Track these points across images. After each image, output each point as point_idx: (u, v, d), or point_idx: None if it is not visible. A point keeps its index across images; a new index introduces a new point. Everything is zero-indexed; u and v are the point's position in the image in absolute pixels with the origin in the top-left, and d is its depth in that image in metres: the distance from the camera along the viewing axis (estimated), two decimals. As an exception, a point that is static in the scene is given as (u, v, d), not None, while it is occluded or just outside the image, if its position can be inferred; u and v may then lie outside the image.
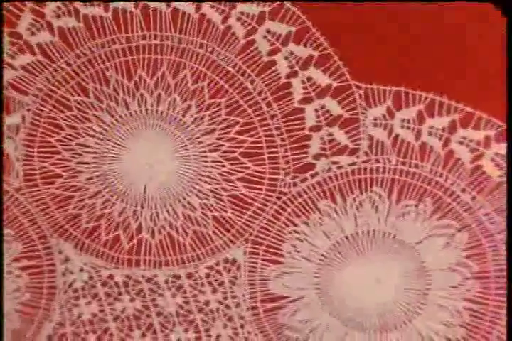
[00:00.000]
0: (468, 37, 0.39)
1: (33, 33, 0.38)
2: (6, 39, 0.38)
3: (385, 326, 0.39)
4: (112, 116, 0.40)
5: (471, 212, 0.38)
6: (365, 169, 0.39)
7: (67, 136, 0.40)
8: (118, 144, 0.40)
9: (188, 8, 0.38)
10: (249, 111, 0.39)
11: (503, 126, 0.39)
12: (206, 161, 0.40)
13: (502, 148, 0.39)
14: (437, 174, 0.39)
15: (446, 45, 0.39)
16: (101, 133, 0.40)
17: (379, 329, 0.39)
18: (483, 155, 0.39)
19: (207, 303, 0.40)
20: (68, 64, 0.39)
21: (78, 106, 0.40)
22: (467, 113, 0.39)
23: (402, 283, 0.39)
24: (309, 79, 0.39)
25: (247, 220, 0.40)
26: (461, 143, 0.39)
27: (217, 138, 0.39)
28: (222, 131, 0.40)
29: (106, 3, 0.38)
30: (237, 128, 0.39)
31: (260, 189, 0.40)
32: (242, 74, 0.39)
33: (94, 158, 0.40)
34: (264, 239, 0.40)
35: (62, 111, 0.40)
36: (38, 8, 0.38)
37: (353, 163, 0.39)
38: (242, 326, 0.39)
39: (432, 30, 0.38)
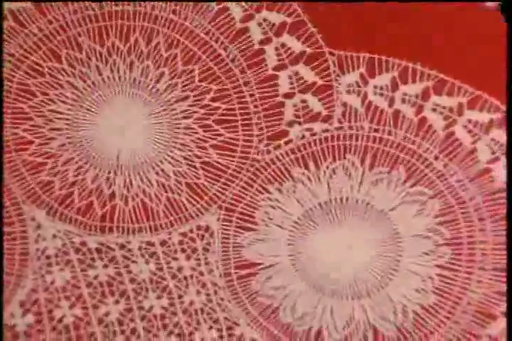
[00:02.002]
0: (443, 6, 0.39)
1: (4, -1, 0.38)
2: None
3: (357, 293, 0.39)
4: (85, 82, 0.40)
5: (443, 179, 0.39)
6: (339, 136, 0.40)
7: (40, 102, 0.40)
8: (90, 110, 0.40)
9: (161, -26, 0.38)
10: (223, 78, 0.40)
11: (475, 92, 0.39)
12: (179, 128, 0.40)
13: (474, 115, 0.39)
14: (410, 141, 0.39)
15: (418, 12, 0.39)
16: (73, 100, 0.40)
17: (351, 296, 0.39)
18: (455, 122, 0.39)
19: (180, 270, 0.40)
20: (40, 29, 0.40)
21: (50, 72, 0.40)
22: (440, 80, 0.39)
23: (374, 250, 0.39)
24: (283, 45, 0.39)
25: (221, 187, 0.40)
26: (434, 110, 0.39)
27: (191, 105, 0.40)
28: (196, 98, 0.40)
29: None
30: (210, 95, 0.40)
31: (233, 156, 0.40)
32: (216, 41, 0.40)
33: (66, 124, 0.40)
34: (238, 206, 0.40)
35: (34, 77, 0.40)
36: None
37: (327, 130, 0.40)
38: (215, 292, 0.40)
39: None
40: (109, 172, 0.41)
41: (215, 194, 0.40)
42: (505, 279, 0.39)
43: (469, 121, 0.39)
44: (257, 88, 0.40)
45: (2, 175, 0.40)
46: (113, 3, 0.39)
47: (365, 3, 0.39)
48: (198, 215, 0.41)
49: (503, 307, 0.39)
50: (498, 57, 0.39)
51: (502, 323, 0.39)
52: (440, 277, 0.39)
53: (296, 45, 0.39)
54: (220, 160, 0.40)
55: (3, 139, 0.40)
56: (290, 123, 0.40)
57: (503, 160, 0.39)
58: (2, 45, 0.39)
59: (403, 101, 0.39)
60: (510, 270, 0.37)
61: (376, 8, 0.39)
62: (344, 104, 0.40)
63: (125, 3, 0.39)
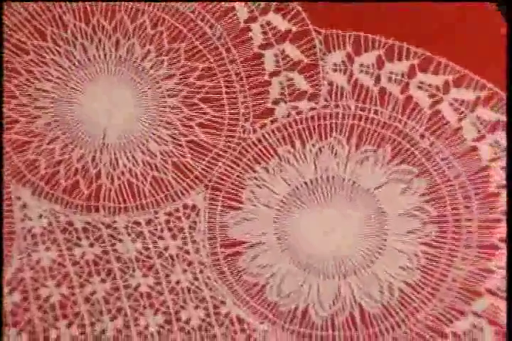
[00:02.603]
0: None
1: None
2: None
3: (343, 271, 0.40)
4: (70, 61, 0.40)
5: (429, 157, 0.39)
6: (325, 115, 0.40)
7: (25, 81, 0.40)
8: (76, 89, 0.40)
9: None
10: (209, 56, 0.40)
11: (461, 71, 0.39)
12: (165, 107, 0.40)
13: (460, 93, 0.39)
14: (396, 119, 0.39)
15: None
16: (59, 78, 0.40)
17: (338, 275, 0.40)
18: (441, 100, 0.39)
19: (166, 249, 0.40)
20: (25, 8, 0.39)
21: (35, 50, 0.40)
22: (426, 58, 0.39)
23: (360, 229, 0.39)
24: (269, 24, 0.39)
25: (207, 166, 0.40)
26: (420, 88, 0.39)
27: (177, 84, 0.40)
28: (182, 77, 0.40)
29: None
30: (196, 73, 0.40)
31: (220, 135, 0.40)
32: (202, 20, 0.39)
33: (52, 103, 0.40)
34: (224, 185, 0.40)
35: (19, 56, 0.40)
36: None
37: (313, 109, 0.40)
38: (201, 271, 0.40)
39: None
40: (95, 152, 0.41)
41: (201, 173, 0.41)
42: (490, 257, 0.39)
43: (455, 99, 0.39)
44: (242, 66, 0.40)
45: (2, 174, 0.40)
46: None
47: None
48: (184, 194, 0.41)
49: (488, 284, 0.39)
50: (484, 34, 0.40)
51: (487, 300, 0.39)
52: (425, 255, 0.40)
53: (282, 24, 0.40)
54: (206, 139, 0.40)
55: (2, 139, 0.40)
56: (276, 102, 0.40)
57: (489, 138, 0.39)
58: (2, 44, 0.39)
59: (389, 79, 0.40)
60: (510, 270, 0.37)
61: (362, -14, 0.40)
62: (330, 83, 0.40)
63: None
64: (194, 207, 0.41)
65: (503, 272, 0.39)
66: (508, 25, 0.38)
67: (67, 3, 0.40)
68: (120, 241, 0.41)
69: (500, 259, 0.39)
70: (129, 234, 0.41)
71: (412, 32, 0.39)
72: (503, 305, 0.39)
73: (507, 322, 0.37)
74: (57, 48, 0.40)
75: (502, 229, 0.39)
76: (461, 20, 0.39)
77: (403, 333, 0.39)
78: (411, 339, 0.39)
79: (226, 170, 0.41)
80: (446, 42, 0.39)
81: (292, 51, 0.40)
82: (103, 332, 0.40)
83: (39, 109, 0.41)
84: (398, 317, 0.40)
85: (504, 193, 0.39)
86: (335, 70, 0.40)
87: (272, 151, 0.40)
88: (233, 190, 0.41)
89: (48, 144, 0.41)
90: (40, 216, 0.41)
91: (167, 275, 0.40)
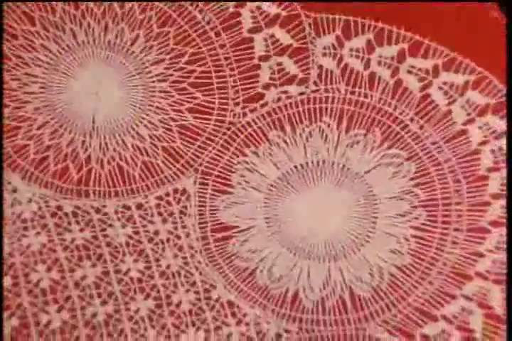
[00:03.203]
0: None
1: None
2: None
3: (333, 255, 0.40)
4: (59, 46, 0.40)
5: (419, 141, 0.39)
6: (315, 99, 0.40)
7: (14, 66, 0.40)
8: (65, 74, 0.40)
9: None
10: (198, 40, 0.40)
11: (450, 54, 0.39)
12: (154, 91, 0.40)
13: (450, 77, 0.39)
14: (386, 103, 0.39)
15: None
16: (48, 63, 0.40)
17: (328, 258, 0.40)
18: (431, 84, 0.39)
19: (157, 233, 0.40)
20: (14, -8, 0.39)
21: (24, 35, 0.40)
22: (416, 42, 0.39)
23: (350, 212, 0.40)
24: (258, 8, 0.39)
25: (197, 150, 0.40)
26: (409, 72, 0.39)
27: (166, 68, 0.40)
28: (171, 61, 0.40)
29: None
30: (185, 58, 0.40)
31: (209, 119, 0.40)
32: (191, 4, 0.39)
33: (41, 87, 0.41)
34: (214, 169, 0.40)
35: (8, 41, 0.40)
36: None
37: (303, 93, 0.40)
38: (192, 256, 0.40)
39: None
40: (85, 136, 0.41)
41: (191, 157, 0.41)
42: (481, 240, 0.39)
43: (445, 82, 0.39)
44: (232, 51, 0.40)
45: (2, 174, 0.40)
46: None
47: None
48: (174, 179, 0.41)
49: (478, 267, 0.39)
50: (473, 18, 0.40)
51: (477, 283, 0.39)
52: (416, 238, 0.40)
53: (272, 7, 0.40)
54: (195, 124, 0.41)
55: (2, 139, 0.40)
56: (266, 86, 0.40)
57: (479, 122, 0.39)
58: (2, 44, 0.39)
59: (379, 63, 0.40)
60: (510, 269, 0.37)
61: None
62: (320, 67, 0.40)
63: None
64: (184, 191, 0.41)
65: (494, 256, 0.39)
66: (507, 23, 0.39)
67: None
68: (110, 225, 0.41)
69: (490, 243, 0.39)
70: (119, 219, 0.41)
71: (401, 16, 0.40)
72: (493, 288, 0.39)
73: (507, 320, 0.37)
74: (46, 33, 0.40)
75: (492, 213, 0.39)
76: (449, 3, 0.40)
77: (393, 316, 0.39)
78: (401, 322, 0.39)
79: (216, 154, 0.41)
80: (436, 25, 0.40)
81: (282, 35, 0.40)
82: (94, 316, 0.40)
83: (28, 94, 0.41)
84: (388, 301, 0.40)
85: (494, 176, 0.39)
86: (324, 54, 0.40)
87: (262, 135, 0.41)
88: (223, 174, 0.41)
89: (37, 129, 0.41)
90: (30, 200, 0.41)
91: (157, 260, 0.41)
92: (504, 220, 0.39)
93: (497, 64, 0.39)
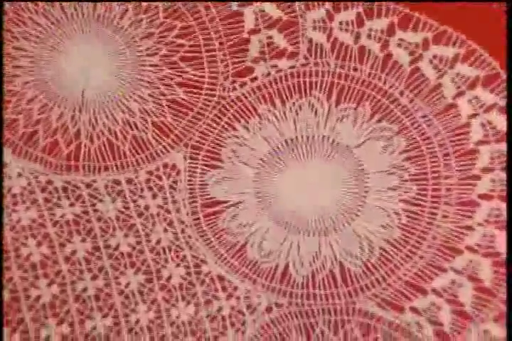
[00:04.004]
0: None
1: None
2: None
3: (324, 229, 0.40)
4: (48, 19, 0.40)
5: (408, 115, 0.39)
6: (304, 72, 0.40)
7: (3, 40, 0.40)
8: (54, 48, 0.40)
9: None
10: (188, 14, 0.39)
11: (440, 27, 0.39)
12: (144, 65, 0.40)
13: (439, 50, 0.39)
14: (376, 77, 0.40)
15: None
16: (37, 37, 0.40)
17: (318, 233, 0.40)
18: (421, 57, 0.39)
19: (147, 208, 0.40)
20: (2, -34, 0.39)
21: (13, 9, 0.40)
22: (405, 15, 0.39)
23: (340, 187, 0.40)
24: (248, -19, 0.39)
25: (187, 125, 0.40)
26: (399, 45, 0.39)
27: (156, 42, 0.40)
28: (161, 35, 0.40)
29: None
30: (175, 31, 0.40)
31: (199, 93, 0.40)
32: (180, -22, 0.39)
33: (30, 62, 0.41)
34: (204, 143, 0.40)
35: (-4, 15, 0.40)
36: None
37: (292, 67, 0.40)
38: (182, 231, 0.40)
39: None
40: (74, 111, 0.41)
41: (181, 132, 0.41)
42: (470, 214, 0.40)
43: (434, 56, 0.40)
44: (222, 24, 0.40)
45: (2, 174, 0.40)
46: None
47: None
48: (164, 153, 0.41)
49: (468, 241, 0.39)
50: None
51: (467, 257, 0.39)
52: (406, 212, 0.40)
53: (262, -19, 0.40)
54: (185, 98, 0.41)
55: (2, 139, 0.40)
56: (255, 60, 0.40)
57: (468, 95, 0.39)
58: (2, 44, 0.39)
59: (368, 37, 0.40)
60: (510, 268, 0.37)
61: None
62: (310, 41, 0.40)
63: None
64: (174, 166, 0.41)
65: (483, 229, 0.39)
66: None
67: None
68: (100, 200, 0.41)
69: (480, 216, 0.39)
70: (109, 194, 0.41)
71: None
72: (482, 261, 0.39)
73: (507, 320, 0.37)
74: (35, 7, 0.40)
75: (481, 186, 0.39)
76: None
77: (383, 290, 0.40)
78: (391, 295, 0.40)
79: (206, 128, 0.41)
80: (426, -1, 0.40)
81: (271, 8, 0.40)
82: (84, 290, 0.40)
83: (17, 68, 0.41)
84: (378, 275, 0.40)
85: (483, 149, 0.39)
86: (314, 28, 0.40)
87: (252, 110, 0.41)
88: (213, 148, 0.41)
89: (26, 103, 0.41)
90: (20, 175, 0.41)
91: (147, 235, 0.41)
92: (493, 194, 0.39)
93: (487, 37, 0.39)
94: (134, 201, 0.41)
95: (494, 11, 0.40)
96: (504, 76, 0.39)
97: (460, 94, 0.39)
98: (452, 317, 0.39)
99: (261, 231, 0.41)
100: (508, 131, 0.39)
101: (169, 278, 0.40)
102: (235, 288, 0.40)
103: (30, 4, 0.40)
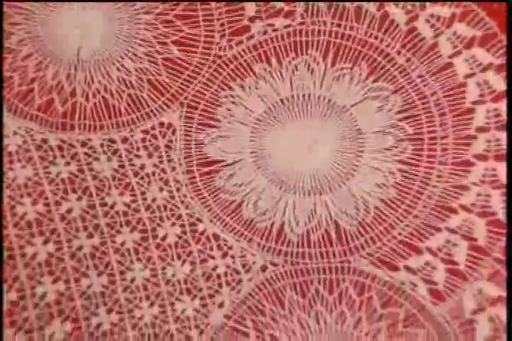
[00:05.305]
0: None
1: None
2: None
3: (319, 188, 0.40)
4: (43, -24, 0.40)
5: (405, 74, 0.39)
6: (301, 31, 0.40)
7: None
8: (48, 5, 0.40)
9: None
10: (184, -29, 0.40)
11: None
12: (140, 24, 0.40)
13: (436, 9, 0.39)
14: (372, 36, 0.40)
15: None
16: (31, -7, 0.40)
17: (314, 192, 0.40)
18: (418, 16, 0.39)
19: (142, 167, 0.40)
20: None
21: (8, -35, 0.40)
22: (403, -27, 0.39)
23: (336, 146, 0.40)
24: None
25: (182, 84, 0.40)
26: (396, 4, 0.39)
27: (151, 0, 0.40)
28: (156, -7, 0.40)
29: None
30: (171, -11, 0.40)
31: (195, 52, 0.40)
32: None
33: (24, 19, 0.40)
34: (200, 102, 0.40)
35: (-9, -29, 0.40)
36: None
37: (289, 26, 0.40)
38: (178, 190, 0.40)
39: None
40: (70, 69, 0.41)
41: (176, 90, 0.41)
42: (465, 173, 0.40)
43: (431, 15, 0.40)
44: (218, -18, 0.40)
45: (2, 172, 0.40)
46: None
47: None
48: (159, 112, 0.41)
49: (463, 200, 0.40)
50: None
51: (461, 216, 0.39)
52: (401, 172, 0.40)
53: None
54: (181, 56, 0.41)
55: (2, 139, 0.40)
56: (252, 19, 0.40)
57: (465, 54, 0.39)
58: (2, 44, 0.39)
59: (365, -5, 0.40)
60: (510, 266, 0.37)
61: None
62: (306, -1, 0.40)
63: None
64: (170, 125, 0.41)
65: (478, 188, 0.39)
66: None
67: None
68: (96, 159, 0.41)
69: (475, 176, 0.40)
70: (104, 153, 0.41)
71: None
72: (477, 221, 0.39)
73: (507, 318, 0.38)
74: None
75: (477, 146, 0.40)
76: None
77: (377, 249, 0.40)
78: (385, 254, 0.40)
79: (202, 87, 0.41)
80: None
81: (268, -33, 0.40)
82: (80, 248, 0.40)
83: (12, 25, 0.41)
84: (373, 234, 0.40)
85: (479, 109, 0.40)
86: (311, -14, 0.40)
87: (248, 69, 0.41)
88: (209, 107, 0.41)
89: (22, 61, 0.41)
90: (15, 133, 0.41)
91: (143, 193, 0.41)
92: (488, 154, 0.39)
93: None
94: (130, 160, 0.41)
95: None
96: (501, 38, 0.39)
97: (457, 53, 0.39)
98: (446, 276, 0.39)
99: (256, 191, 0.41)
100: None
101: (165, 236, 0.41)
102: (230, 247, 0.41)
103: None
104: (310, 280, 0.40)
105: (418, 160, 0.40)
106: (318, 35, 0.40)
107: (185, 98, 0.41)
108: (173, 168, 0.41)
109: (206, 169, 0.41)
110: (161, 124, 0.41)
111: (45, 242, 0.40)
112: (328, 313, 0.40)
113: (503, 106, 0.39)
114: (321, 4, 0.40)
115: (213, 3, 0.40)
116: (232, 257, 0.40)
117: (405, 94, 0.40)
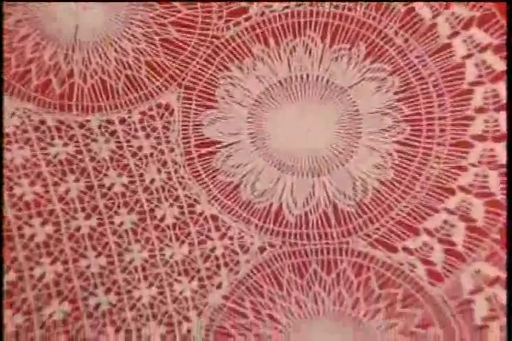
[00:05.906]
0: None
1: None
2: None
3: (317, 170, 0.40)
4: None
5: (403, 55, 0.40)
6: (299, 12, 0.40)
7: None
8: (46, -15, 0.40)
9: None
10: (181, -48, 0.39)
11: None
12: (138, 5, 0.40)
13: (435, -11, 0.39)
14: (370, 17, 0.39)
15: None
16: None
17: (312, 173, 0.40)
18: (416, -3, 0.39)
19: (140, 148, 0.41)
20: None
21: None
22: (401, -47, 0.39)
23: (334, 128, 0.40)
24: None
25: (180, 65, 0.40)
26: (394, -15, 0.39)
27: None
28: (154, -27, 0.40)
29: None
30: (168, -30, 0.40)
31: (193, 33, 0.40)
32: None
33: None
34: (198, 84, 0.40)
35: (-12, -49, 0.39)
36: None
37: (287, 7, 0.40)
38: (176, 171, 0.40)
39: None
40: (67, 49, 0.41)
41: (174, 72, 0.41)
42: (464, 154, 0.40)
43: (429, -4, 0.39)
44: (215, -37, 0.40)
45: (2, 172, 0.40)
46: None
47: None
48: (157, 93, 0.41)
49: (461, 181, 0.40)
50: None
51: (459, 197, 0.40)
52: (399, 153, 0.40)
53: None
54: (179, 37, 0.41)
55: (3, 139, 0.40)
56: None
57: (463, 35, 0.39)
58: (2, 44, 0.39)
59: (363, -24, 0.40)
60: (510, 265, 0.38)
61: None
62: (304, -20, 0.40)
63: None
64: (168, 106, 0.41)
65: (476, 169, 0.40)
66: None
67: None
68: (94, 140, 0.41)
69: (473, 157, 0.40)
70: (102, 134, 0.41)
71: None
72: (475, 201, 0.39)
73: (507, 318, 0.38)
74: None
75: (475, 127, 0.40)
76: None
77: (376, 230, 0.40)
78: (383, 235, 0.40)
79: (200, 68, 0.41)
80: None
81: None
82: (78, 229, 0.40)
83: (9, 7, 0.40)
84: (371, 215, 0.40)
85: (477, 90, 0.40)
86: (309, -33, 0.40)
87: (245, 50, 0.41)
88: (207, 88, 0.41)
89: (19, 42, 0.41)
90: (13, 114, 0.41)
91: (141, 175, 0.41)
92: (486, 135, 0.40)
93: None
94: (128, 141, 0.41)
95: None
96: (500, 18, 0.39)
97: (455, 34, 0.40)
98: (444, 257, 0.40)
99: (255, 172, 0.41)
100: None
101: (163, 217, 0.41)
102: (229, 228, 0.41)
103: None
104: (308, 261, 0.40)
105: (416, 141, 0.40)
106: (317, 16, 0.40)
107: (183, 79, 0.41)
108: (171, 149, 0.41)
109: (204, 150, 0.41)
110: (159, 105, 0.41)
111: (43, 223, 0.40)
112: (326, 294, 0.40)
113: (501, 86, 0.39)
114: (319, -15, 0.40)
115: (211, -16, 0.40)
116: (231, 238, 0.41)
117: (403, 75, 0.40)
